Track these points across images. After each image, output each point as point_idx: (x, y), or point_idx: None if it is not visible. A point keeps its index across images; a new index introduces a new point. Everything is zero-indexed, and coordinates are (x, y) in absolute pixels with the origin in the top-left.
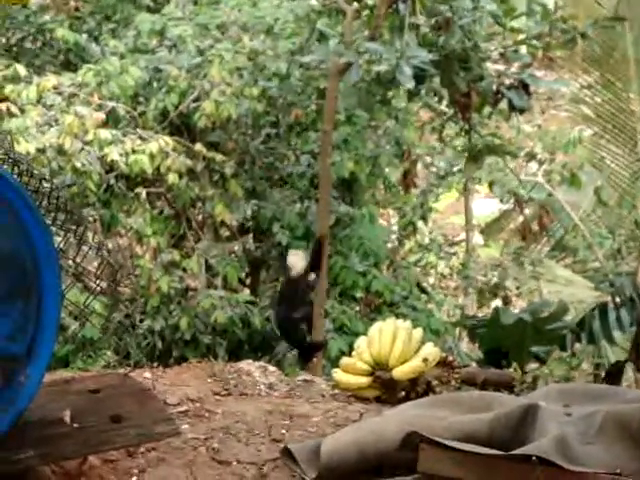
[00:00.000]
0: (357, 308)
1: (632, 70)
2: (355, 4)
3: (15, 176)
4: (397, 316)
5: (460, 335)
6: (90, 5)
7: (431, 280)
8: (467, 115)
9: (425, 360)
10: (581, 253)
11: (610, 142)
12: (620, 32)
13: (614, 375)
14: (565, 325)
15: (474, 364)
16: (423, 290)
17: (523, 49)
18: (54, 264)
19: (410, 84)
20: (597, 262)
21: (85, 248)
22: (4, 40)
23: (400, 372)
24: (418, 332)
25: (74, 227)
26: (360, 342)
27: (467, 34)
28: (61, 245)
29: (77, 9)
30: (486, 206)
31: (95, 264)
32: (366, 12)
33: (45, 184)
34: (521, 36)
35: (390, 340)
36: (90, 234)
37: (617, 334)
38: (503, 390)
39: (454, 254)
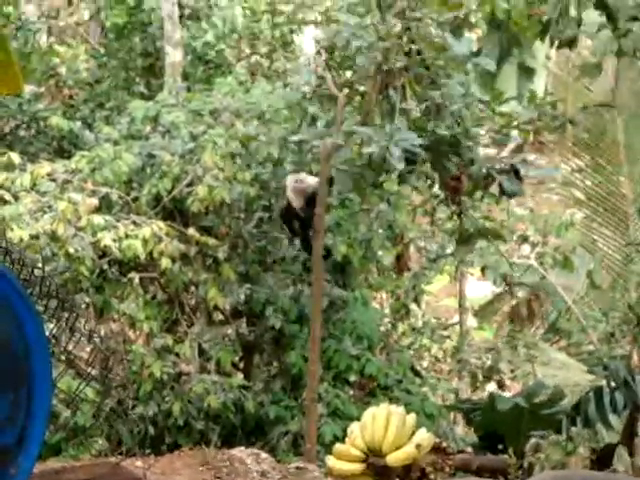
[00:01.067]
0: (351, 392)
1: (622, 154)
2: (346, 90)
3: (7, 265)
4: (391, 400)
5: (455, 419)
6: (84, 93)
7: (425, 363)
8: (458, 199)
9: (419, 446)
10: (575, 336)
11: (602, 225)
12: (610, 117)
13: (605, 458)
14: (561, 409)
15: (469, 449)
16: (417, 373)
17: (513, 133)
18: (45, 353)
19: (400, 166)
20: (591, 345)
21: (77, 335)
22: None
23: (394, 458)
24: (411, 417)
25: (66, 314)
26: (353, 428)
27: (457, 119)
28: (53, 332)
29: (71, 97)
30: (479, 289)
31: (88, 349)
32: (357, 98)
33: (37, 272)
34: (510, 121)
35: (383, 426)
36: (82, 320)
37: (613, 417)
38: (499, 476)
39: (448, 337)
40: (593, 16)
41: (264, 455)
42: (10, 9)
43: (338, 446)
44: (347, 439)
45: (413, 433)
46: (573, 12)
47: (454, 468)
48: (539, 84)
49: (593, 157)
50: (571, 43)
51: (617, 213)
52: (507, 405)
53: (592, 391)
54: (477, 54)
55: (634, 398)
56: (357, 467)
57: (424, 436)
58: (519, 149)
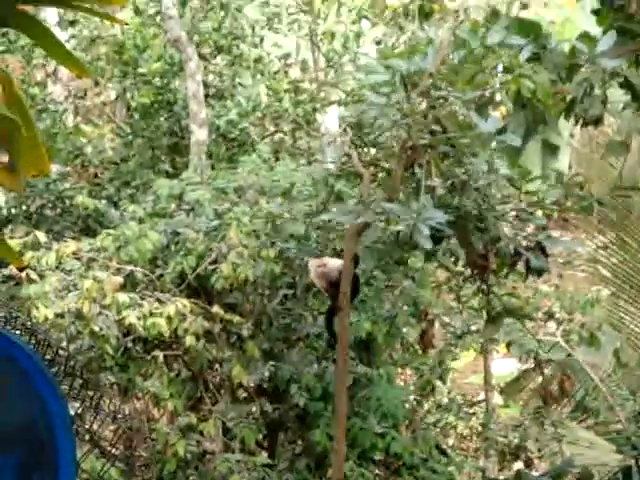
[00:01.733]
0: (376, 471)
1: None
2: (371, 168)
3: (32, 346)
4: (417, 479)
5: None
6: (110, 172)
7: (451, 441)
8: (484, 276)
9: None
10: (602, 415)
11: (628, 302)
12: (635, 195)
13: None
14: None
15: None
16: (443, 452)
17: (539, 211)
18: (69, 433)
19: (428, 244)
20: (619, 424)
21: (101, 414)
22: (24, 207)
23: None
24: None
25: (90, 393)
26: None
27: (483, 196)
28: (78, 411)
29: (97, 176)
30: (505, 366)
31: (112, 428)
32: (382, 175)
33: (61, 352)
34: (536, 198)
35: None
36: (107, 399)
37: None
38: None
39: (473, 414)
40: (618, 94)
41: None
42: (36, 90)
43: None
44: None
45: None
46: (598, 91)
47: None
48: (563, 161)
49: (618, 234)
50: (596, 122)
51: None
52: None
53: (621, 471)
54: (502, 131)
55: None
56: None
57: None
58: (544, 227)
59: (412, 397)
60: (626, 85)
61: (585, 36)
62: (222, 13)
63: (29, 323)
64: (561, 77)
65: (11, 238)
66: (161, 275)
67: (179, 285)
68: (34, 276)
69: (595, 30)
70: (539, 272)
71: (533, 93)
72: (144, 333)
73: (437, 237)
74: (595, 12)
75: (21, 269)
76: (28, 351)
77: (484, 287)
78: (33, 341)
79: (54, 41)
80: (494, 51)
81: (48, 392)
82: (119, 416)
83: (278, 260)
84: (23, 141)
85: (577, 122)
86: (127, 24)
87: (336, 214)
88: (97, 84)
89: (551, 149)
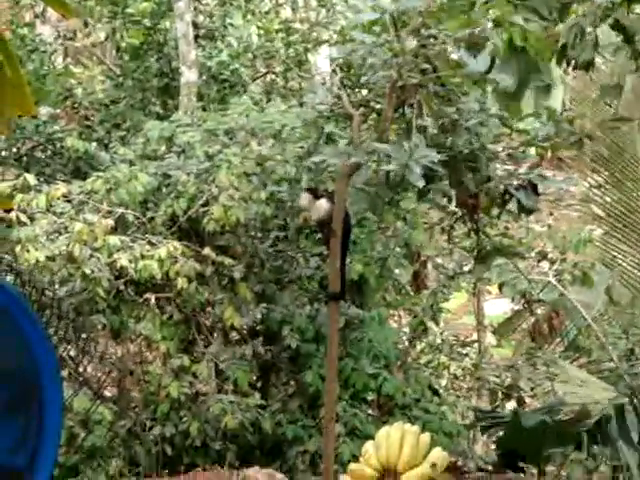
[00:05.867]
0: (369, 411)
1: None
2: (362, 108)
3: (18, 287)
4: (409, 419)
5: (474, 438)
6: (100, 114)
7: (443, 382)
8: (475, 216)
9: (434, 465)
10: (595, 353)
11: (621, 241)
12: (629, 133)
13: None
14: (583, 426)
15: (490, 467)
16: (435, 392)
17: (531, 150)
18: (56, 377)
19: (420, 183)
20: (611, 362)
21: (90, 356)
22: (14, 150)
23: (409, 478)
24: (426, 436)
25: (79, 335)
26: (368, 447)
27: (474, 135)
28: (69, 352)
29: (87, 118)
30: (498, 306)
31: (106, 370)
32: (373, 116)
33: (49, 293)
34: (528, 137)
35: (398, 445)
36: (97, 341)
37: (635, 436)
38: None
39: (466, 355)
40: (609, 35)
41: (279, 475)
42: (25, 31)
43: (352, 465)
44: (361, 458)
45: (428, 452)
46: (589, 33)
47: None
48: (557, 98)
49: (612, 173)
50: (588, 66)
51: (637, 229)
52: (532, 421)
53: (614, 409)
54: (490, 69)
55: None
56: None
57: (439, 455)
58: (537, 165)
59: (404, 338)
60: (617, 27)
61: None
62: None
63: (14, 264)
64: (554, 19)
65: (1, 181)
66: (152, 218)
67: (170, 228)
68: (24, 219)
69: None
70: (530, 211)
71: (525, 40)
72: (136, 276)
73: (429, 176)
74: None
75: (8, 211)
76: (13, 292)
77: (475, 227)
78: (18, 282)
79: None
80: None
81: (34, 336)
82: (107, 357)
83: (269, 202)
84: (7, 82)
85: (569, 65)
86: None
87: (327, 155)
88: (86, 25)
89: (544, 87)
